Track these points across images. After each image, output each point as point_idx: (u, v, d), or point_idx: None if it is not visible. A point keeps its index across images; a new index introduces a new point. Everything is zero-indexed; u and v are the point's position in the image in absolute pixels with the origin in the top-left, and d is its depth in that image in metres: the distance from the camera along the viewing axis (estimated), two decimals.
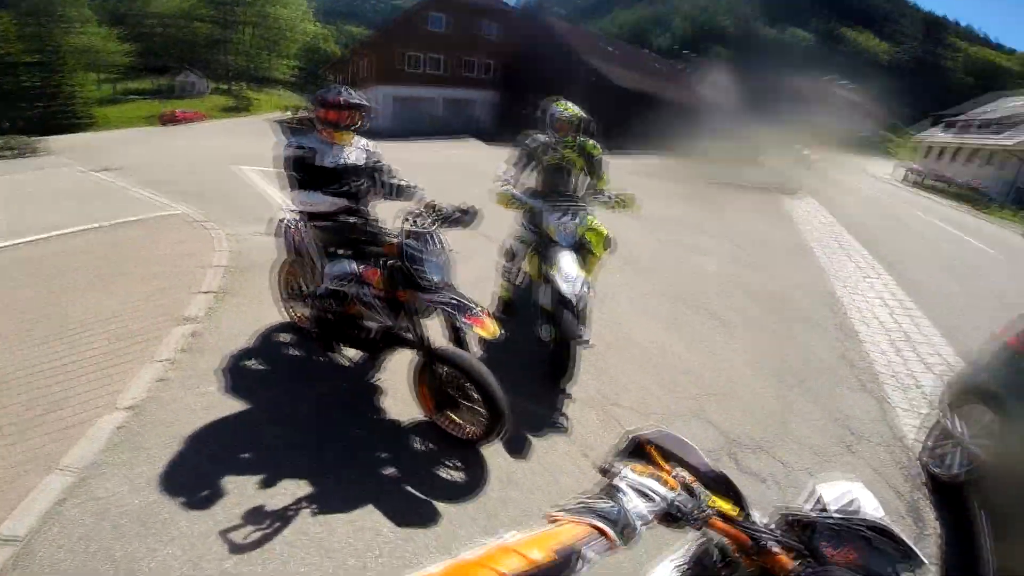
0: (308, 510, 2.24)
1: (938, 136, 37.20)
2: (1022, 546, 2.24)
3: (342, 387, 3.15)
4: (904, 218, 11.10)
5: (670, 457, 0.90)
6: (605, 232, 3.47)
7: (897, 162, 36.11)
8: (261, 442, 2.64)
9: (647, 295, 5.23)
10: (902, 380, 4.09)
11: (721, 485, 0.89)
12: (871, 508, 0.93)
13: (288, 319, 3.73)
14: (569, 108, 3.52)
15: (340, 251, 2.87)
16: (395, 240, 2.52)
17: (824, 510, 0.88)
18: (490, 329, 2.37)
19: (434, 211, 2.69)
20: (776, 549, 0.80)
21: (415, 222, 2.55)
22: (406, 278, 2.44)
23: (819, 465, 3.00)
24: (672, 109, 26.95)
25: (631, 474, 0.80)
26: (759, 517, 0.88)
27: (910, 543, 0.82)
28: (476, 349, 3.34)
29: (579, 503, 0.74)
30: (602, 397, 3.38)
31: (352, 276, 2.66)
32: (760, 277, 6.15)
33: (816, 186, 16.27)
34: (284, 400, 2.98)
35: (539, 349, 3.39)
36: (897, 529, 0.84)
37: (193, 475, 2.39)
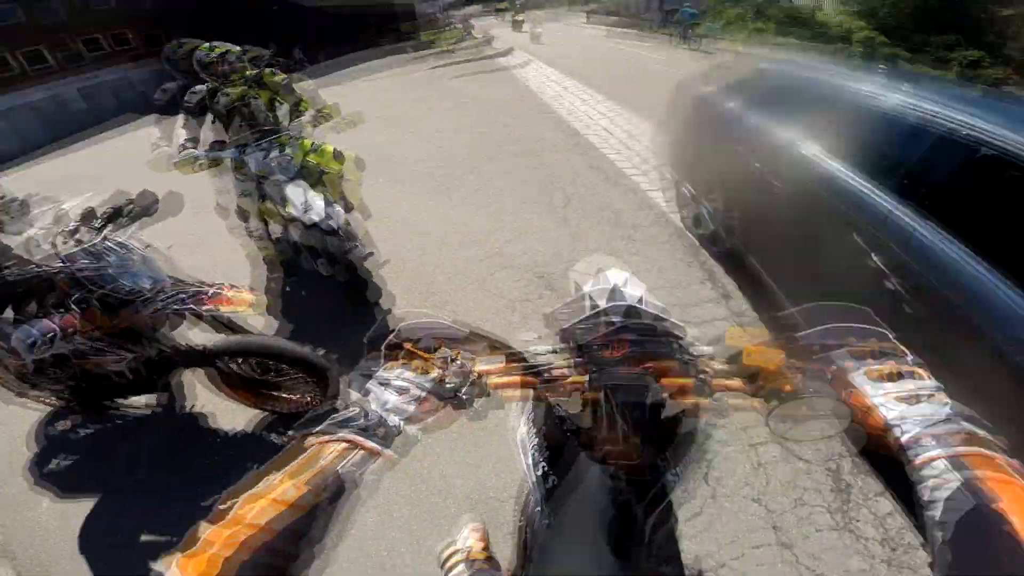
0: None
1: None
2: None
3: (162, 431, 2.71)
4: (601, 50, 12.98)
5: (428, 344, 0.82)
6: (330, 148, 3.41)
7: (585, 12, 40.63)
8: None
9: (417, 174, 5.06)
10: (640, 167, 4.92)
11: (482, 342, 0.84)
12: (629, 286, 0.92)
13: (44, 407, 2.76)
14: (216, 48, 3.28)
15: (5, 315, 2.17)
16: (60, 271, 2.07)
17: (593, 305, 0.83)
18: (240, 300, 2.16)
19: (95, 218, 2.24)
20: (558, 373, 0.78)
21: (75, 241, 2.12)
22: (106, 305, 2.06)
23: (614, 262, 3.49)
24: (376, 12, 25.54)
25: (382, 373, 0.74)
26: (538, 347, 0.84)
27: (666, 316, 0.81)
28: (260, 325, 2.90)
29: (327, 422, 0.64)
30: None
31: (51, 334, 2.04)
32: (506, 132, 6.39)
33: (530, 45, 17.45)
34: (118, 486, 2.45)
35: (338, 286, 3.18)
36: (656, 304, 0.83)
37: None
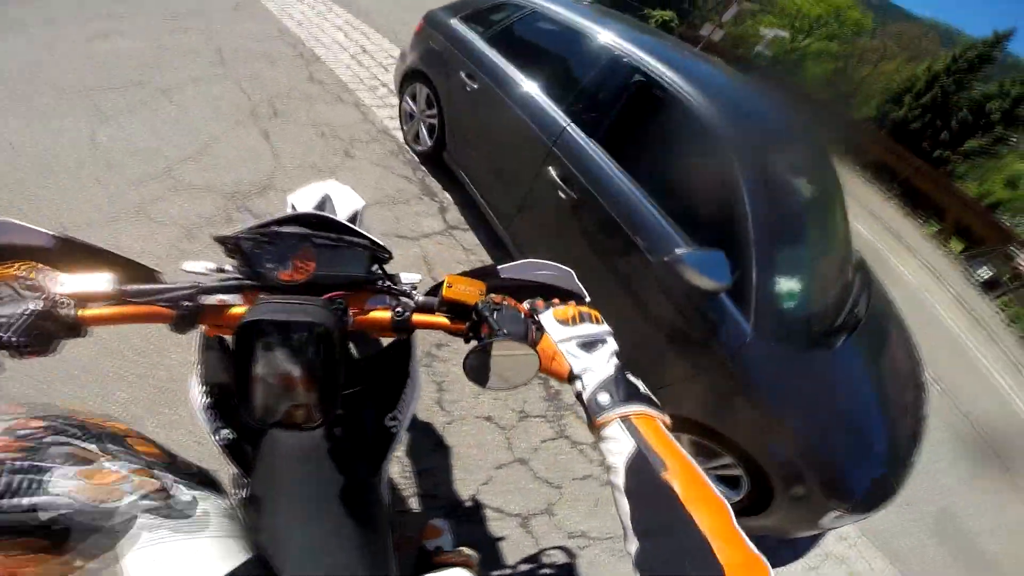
0: None
1: None
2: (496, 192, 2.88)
3: None
4: None
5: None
6: None
7: None
8: None
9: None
10: (368, 83, 4.43)
11: (94, 257, 0.67)
12: (351, 202, 0.95)
13: None
14: None
15: None
16: None
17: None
18: None
19: None
20: (216, 301, 0.66)
21: None
22: None
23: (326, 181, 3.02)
24: None
25: None
26: (194, 265, 0.71)
27: (369, 236, 0.73)
28: None
29: None
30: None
31: None
32: (201, 39, 5.00)
33: None
34: None
35: None
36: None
37: None
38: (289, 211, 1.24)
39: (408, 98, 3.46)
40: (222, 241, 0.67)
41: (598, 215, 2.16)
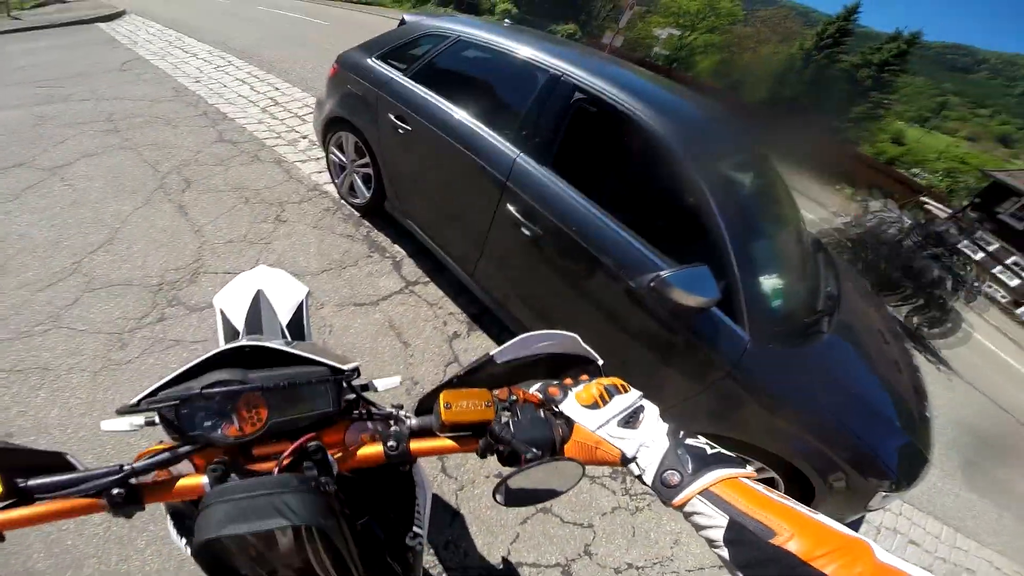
0: None
1: None
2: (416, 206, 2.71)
3: None
4: (252, 16, 10.91)
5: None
6: None
7: None
8: None
9: None
10: (286, 137, 4.13)
11: None
12: (291, 293, 0.94)
13: None
14: None
15: None
16: None
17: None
18: None
19: None
20: (161, 478, 0.57)
21: None
22: None
23: (261, 254, 2.73)
24: None
25: None
26: (116, 424, 0.59)
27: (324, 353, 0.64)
28: None
29: None
30: None
31: None
32: (92, 107, 4.51)
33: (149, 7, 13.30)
34: None
35: None
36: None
37: None
38: (219, 330, 1.06)
39: (334, 148, 3.22)
40: (128, 412, 0.54)
41: (567, 247, 2.05)
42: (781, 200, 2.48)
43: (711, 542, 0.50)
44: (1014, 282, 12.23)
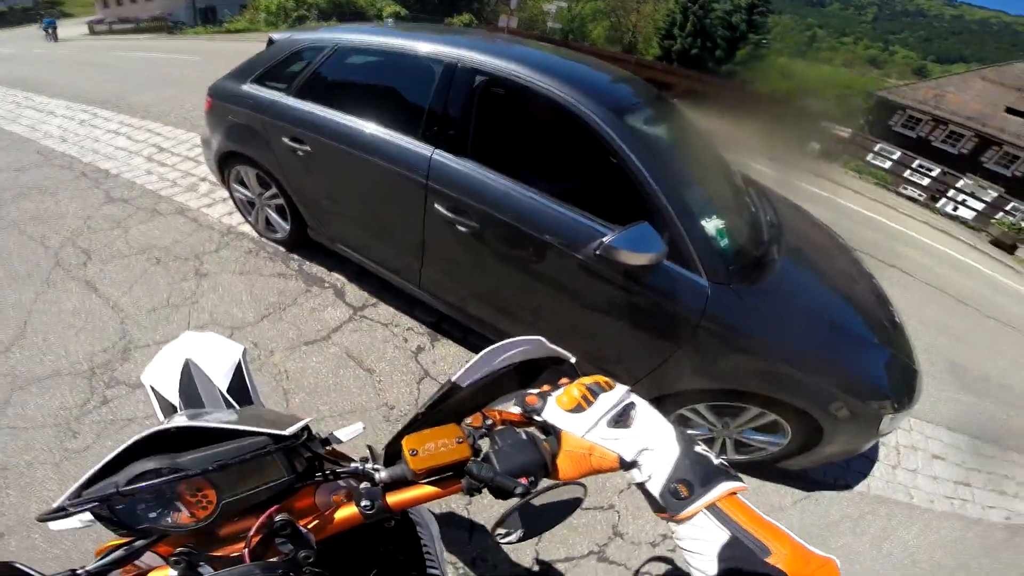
0: None
1: None
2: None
3: None
4: (107, 62, 9.87)
5: None
6: None
7: (80, 19, 32.78)
8: None
9: None
10: (183, 183, 3.78)
11: None
12: (224, 355, 0.90)
13: None
14: None
15: None
16: None
17: None
18: None
19: None
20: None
21: None
22: None
23: (191, 315, 2.50)
24: None
25: None
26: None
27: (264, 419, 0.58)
28: None
29: None
30: None
31: None
32: None
33: None
34: None
35: None
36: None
37: None
38: (156, 408, 0.96)
39: (236, 185, 2.99)
40: (53, 518, 0.49)
41: (507, 234, 2.02)
42: (701, 146, 2.56)
43: (696, 555, 0.49)
44: (925, 181, 13.64)
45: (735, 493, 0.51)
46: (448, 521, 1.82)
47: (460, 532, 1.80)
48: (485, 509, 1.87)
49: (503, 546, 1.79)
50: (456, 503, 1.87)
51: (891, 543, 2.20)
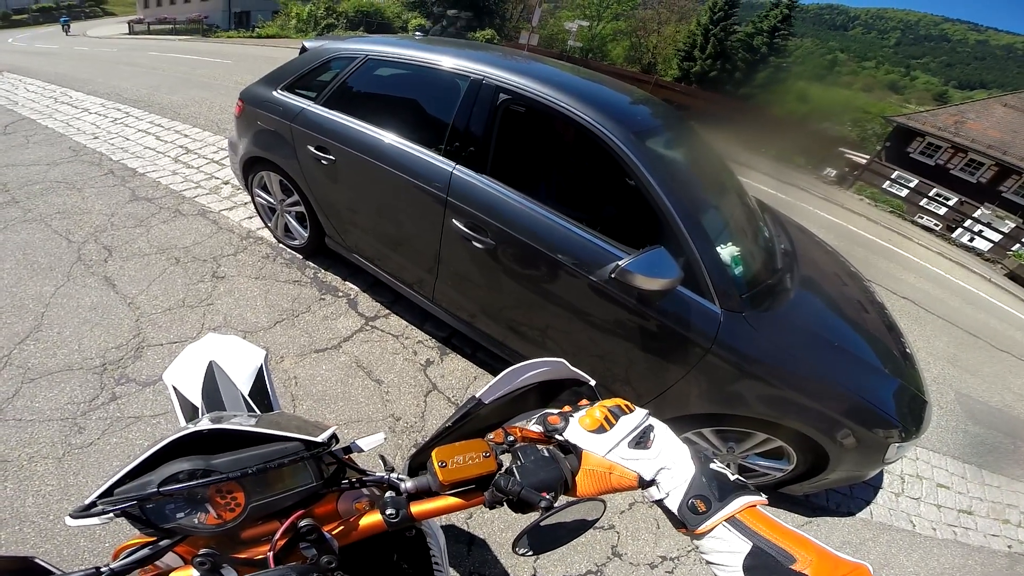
0: None
1: None
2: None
3: None
4: (143, 62, 10.25)
5: None
6: None
7: (122, 18, 34.58)
8: None
9: None
10: (206, 185, 3.87)
11: None
12: (247, 359, 0.91)
13: None
14: None
15: None
16: None
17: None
18: None
19: None
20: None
21: None
22: None
23: (205, 317, 2.53)
24: None
25: None
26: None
27: (294, 428, 0.58)
28: None
29: None
30: None
31: None
32: None
33: (31, 64, 12.13)
34: None
35: None
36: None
37: None
38: (176, 408, 0.97)
39: (259, 190, 3.05)
40: (83, 515, 0.49)
41: (522, 253, 2.03)
42: (719, 170, 2.56)
43: (721, 567, 0.50)
44: (941, 210, 13.40)
45: (754, 506, 0.53)
46: (447, 534, 1.81)
47: (459, 546, 1.79)
48: (484, 524, 1.86)
49: (519, 557, 1.80)
50: (456, 517, 1.86)
51: (891, 570, 2.17)
